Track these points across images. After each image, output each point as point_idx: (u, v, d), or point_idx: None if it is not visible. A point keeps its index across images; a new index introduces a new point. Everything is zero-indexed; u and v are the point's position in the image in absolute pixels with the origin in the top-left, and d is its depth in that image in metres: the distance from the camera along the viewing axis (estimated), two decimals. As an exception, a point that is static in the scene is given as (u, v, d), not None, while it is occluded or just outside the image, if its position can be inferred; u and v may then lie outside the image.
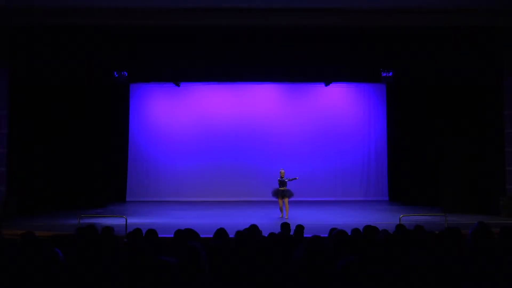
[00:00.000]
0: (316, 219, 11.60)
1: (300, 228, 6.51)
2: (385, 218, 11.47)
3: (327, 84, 15.99)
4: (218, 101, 16.80)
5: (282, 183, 12.29)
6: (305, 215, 12.19)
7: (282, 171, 12.54)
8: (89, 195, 14.02)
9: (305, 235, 6.36)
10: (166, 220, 11.21)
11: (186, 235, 4.90)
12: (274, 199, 12.77)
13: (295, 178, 12.58)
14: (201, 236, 5.10)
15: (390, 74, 13.34)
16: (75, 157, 14.01)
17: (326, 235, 5.61)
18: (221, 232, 5.00)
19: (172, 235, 5.06)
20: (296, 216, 11.89)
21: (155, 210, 13.58)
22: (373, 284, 2.50)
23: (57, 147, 13.63)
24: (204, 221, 10.60)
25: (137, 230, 5.21)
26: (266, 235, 5.19)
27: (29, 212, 12.10)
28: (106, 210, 13.31)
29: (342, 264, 2.55)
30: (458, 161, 13.14)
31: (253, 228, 5.58)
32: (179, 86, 16.17)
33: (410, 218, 10.08)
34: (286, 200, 12.06)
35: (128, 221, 9.51)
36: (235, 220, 10.49)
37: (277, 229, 6.17)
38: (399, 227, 5.61)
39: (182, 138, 16.68)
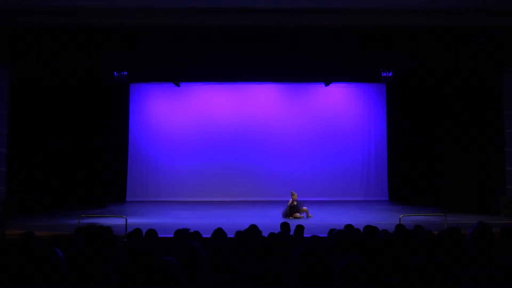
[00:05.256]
0: (316, 219, 11.60)
1: (300, 228, 6.51)
2: (385, 218, 11.47)
3: (327, 84, 15.99)
4: (218, 101, 16.80)
5: (294, 206, 12.05)
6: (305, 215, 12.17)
7: (295, 194, 12.19)
8: (89, 195, 14.02)
9: (305, 235, 6.36)
10: (166, 220, 11.20)
11: (186, 235, 4.90)
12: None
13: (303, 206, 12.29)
14: (201, 236, 5.11)
15: (390, 74, 13.35)
16: (75, 157, 14.01)
17: (326, 235, 5.61)
18: (219, 232, 5.00)
19: (172, 235, 5.06)
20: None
21: (155, 210, 13.57)
22: (373, 284, 2.50)
23: (57, 147, 13.62)
24: (204, 221, 10.60)
25: (137, 230, 5.21)
26: (266, 235, 5.19)
27: (29, 212, 12.10)
28: (106, 210, 13.31)
29: (342, 264, 2.55)
30: (458, 161, 13.14)
31: (253, 228, 5.58)
32: (179, 86, 16.17)
33: (410, 218, 10.08)
34: (301, 212, 12.06)
35: (128, 221, 9.51)
36: (235, 220, 10.48)
37: (277, 229, 6.17)
38: (399, 227, 5.61)
39: (182, 138, 16.67)
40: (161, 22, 10.56)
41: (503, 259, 3.31)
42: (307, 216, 11.95)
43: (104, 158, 14.83)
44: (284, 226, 6.66)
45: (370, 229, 4.98)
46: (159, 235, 5.14)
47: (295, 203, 12.10)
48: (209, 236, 5.40)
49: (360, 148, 16.86)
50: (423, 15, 10.38)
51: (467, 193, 12.95)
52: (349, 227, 5.85)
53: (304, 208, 12.08)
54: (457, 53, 11.97)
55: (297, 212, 11.99)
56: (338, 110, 16.90)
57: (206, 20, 10.42)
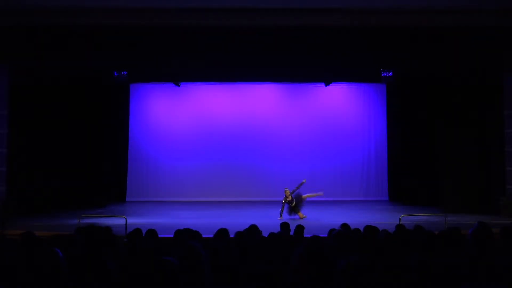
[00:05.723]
0: (316, 219, 11.60)
1: (300, 228, 6.51)
2: (385, 218, 11.47)
3: (327, 84, 15.99)
4: (218, 101, 16.80)
5: (290, 202, 11.97)
6: (305, 215, 12.17)
7: (287, 190, 12.07)
8: (89, 195, 14.02)
9: (305, 235, 6.36)
10: (166, 220, 11.21)
11: (186, 235, 4.90)
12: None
13: (302, 183, 12.25)
14: (201, 236, 5.11)
15: (390, 74, 13.34)
16: (75, 157, 14.02)
17: (326, 235, 5.61)
18: (222, 232, 5.00)
19: (172, 235, 5.06)
20: (296, 216, 11.90)
21: (155, 210, 13.58)
22: (373, 284, 2.50)
23: (57, 147, 13.63)
24: (204, 221, 10.60)
25: (137, 230, 5.20)
26: (266, 235, 5.19)
27: (29, 212, 12.10)
28: (106, 210, 13.31)
29: (342, 264, 2.55)
30: (458, 161, 13.14)
31: (253, 228, 5.58)
32: (179, 86, 16.17)
33: (410, 218, 10.08)
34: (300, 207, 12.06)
35: (128, 221, 9.51)
36: (235, 220, 10.48)
37: (277, 229, 6.16)
38: (399, 227, 5.61)
39: (182, 138, 16.67)
40: (161, 22, 10.55)
41: (503, 259, 3.31)
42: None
43: (104, 158, 14.83)
44: (284, 226, 6.66)
45: (370, 229, 4.98)
46: (159, 235, 5.14)
47: (289, 198, 12.01)
48: (209, 236, 5.40)
49: (360, 148, 16.86)
50: (423, 15, 10.37)
51: (467, 193, 12.95)
52: (345, 226, 5.86)
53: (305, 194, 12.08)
54: (457, 53, 11.96)
55: (300, 205, 11.98)
56: (338, 110, 16.90)
57: (206, 20, 10.41)
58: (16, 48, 11.57)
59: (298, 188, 12.18)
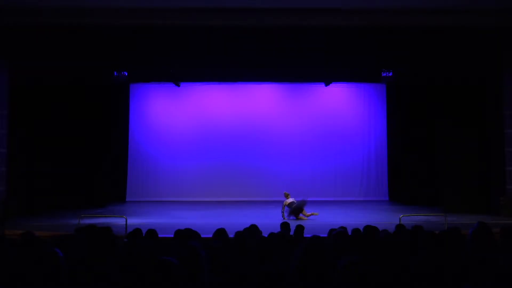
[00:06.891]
0: (316, 219, 11.60)
1: (300, 228, 6.51)
2: (385, 218, 11.47)
3: (327, 84, 15.99)
4: (218, 101, 16.81)
5: (290, 205, 11.97)
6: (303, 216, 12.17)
7: (287, 197, 12.11)
8: (89, 195, 14.03)
9: (305, 235, 6.35)
10: (166, 220, 11.20)
11: (186, 235, 4.90)
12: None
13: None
14: (201, 236, 5.11)
15: (390, 74, 13.35)
16: (75, 157, 14.02)
17: (326, 235, 5.61)
18: (220, 232, 4.99)
19: (172, 235, 5.06)
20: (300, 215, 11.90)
21: (155, 210, 13.57)
22: (373, 284, 2.50)
23: (57, 147, 13.63)
24: (204, 221, 10.60)
25: (137, 230, 5.20)
26: (266, 235, 5.19)
27: (29, 212, 12.11)
28: (106, 210, 13.31)
29: (342, 264, 2.55)
30: (458, 161, 13.15)
31: (253, 228, 5.58)
32: (179, 86, 16.18)
33: (410, 218, 10.08)
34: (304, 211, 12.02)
35: (128, 221, 9.51)
36: (235, 220, 10.48)
37: (277, 229, 6.16)
38: (399, 227, 5.61)
39: (182, 138, 16.68)
40: (161, 22, 10.54)
41: (503, 259, 3.31)
42: (312, 214, 11.93)
43: (104, 158, 14.83)
44: (284, 226, 6.66)
45: (370, 229, 4.97)
46: (159, 235, 5.13)
47: (292, 200, 12.01)
48: (209, 236, 5.40)
49: (360, 148, 16.87)
50: (423, 15, 10.36)
51: (467, 193, 12.96)
52: (342, 228, 5.84)
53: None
54: (457, 53, 11.97)
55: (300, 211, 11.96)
56: (338, 110, 16.90)
57: (206, 20, 10.40)
58: (16, 48, 11.57)
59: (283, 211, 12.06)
